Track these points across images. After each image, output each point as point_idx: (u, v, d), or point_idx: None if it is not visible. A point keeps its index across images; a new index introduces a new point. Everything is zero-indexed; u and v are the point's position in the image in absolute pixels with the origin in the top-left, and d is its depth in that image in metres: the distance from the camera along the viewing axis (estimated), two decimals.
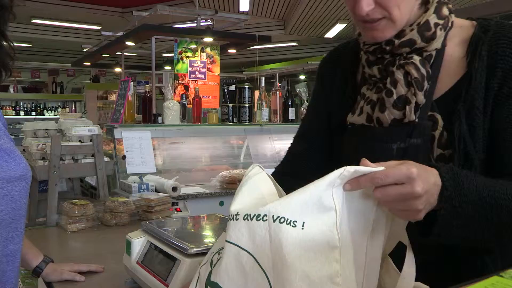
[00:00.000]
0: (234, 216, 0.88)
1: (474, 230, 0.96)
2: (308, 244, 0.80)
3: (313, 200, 0.81)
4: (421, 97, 1.11)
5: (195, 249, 1.26)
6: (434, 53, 1.15)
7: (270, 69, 10.29)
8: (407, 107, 1.12)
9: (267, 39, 5.97)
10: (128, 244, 1.54)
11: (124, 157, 3.45)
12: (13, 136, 1.43)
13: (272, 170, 1.38)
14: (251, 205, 0.90)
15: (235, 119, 4.38)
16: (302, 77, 9.74)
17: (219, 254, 0.94)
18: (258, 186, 0.96)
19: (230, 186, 3.57)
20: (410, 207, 0.85)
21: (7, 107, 12.03)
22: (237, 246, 0.87)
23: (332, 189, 0.81)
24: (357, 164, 0.84)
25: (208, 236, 1.57)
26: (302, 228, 0.80)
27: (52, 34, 10.70)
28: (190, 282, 1.04)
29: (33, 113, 12.30)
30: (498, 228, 0.97)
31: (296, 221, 0.81)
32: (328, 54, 1.49)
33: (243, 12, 8.93)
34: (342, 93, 1.35)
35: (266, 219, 0.83)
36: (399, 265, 0.90)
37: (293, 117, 4.58)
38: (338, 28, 10.57)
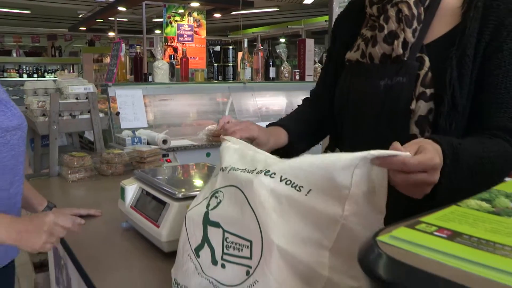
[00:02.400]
0: (253, 171, 0.87)
1: (466, 192, 0.96)
2: (307, 209, 0.78)
3: (326, 175, 0.77)
4: (409, 35, 1.10)
5: (182, 194, 1.27)
6: None
7: (253, 32, 10.14)
8: (395, 42, 1.11)
9: (250, 4, 5.90)
10: (122, 190, 1.54)
11: (118, 113, 3.40)
12: (17, 97, 1.40)
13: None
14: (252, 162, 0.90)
15: (220, 78, 4.31)
16: (282, 40, 9.62)
17: (216, 198, 0.91)
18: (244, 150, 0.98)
19: (216, 139, 3.54)
20: (423, 190, 0.83)
21: (11, 70, 11.79)
22: (241, 191, 0.86)
23: (354, 170, 0.75)
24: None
25: (195, 182, 1.57)
26: (306, 195, 0.78)
27: (49, 0, 10.38)
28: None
29: (35, 75, 12.02)
30: (488, 184, 0.96)
31: (302, 187, 0.79)
32: (341, 12, 1.44)
33: None
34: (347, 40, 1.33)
35: (274, 177, 0.82)
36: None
37: (274, 76, 4.51)
38: None
